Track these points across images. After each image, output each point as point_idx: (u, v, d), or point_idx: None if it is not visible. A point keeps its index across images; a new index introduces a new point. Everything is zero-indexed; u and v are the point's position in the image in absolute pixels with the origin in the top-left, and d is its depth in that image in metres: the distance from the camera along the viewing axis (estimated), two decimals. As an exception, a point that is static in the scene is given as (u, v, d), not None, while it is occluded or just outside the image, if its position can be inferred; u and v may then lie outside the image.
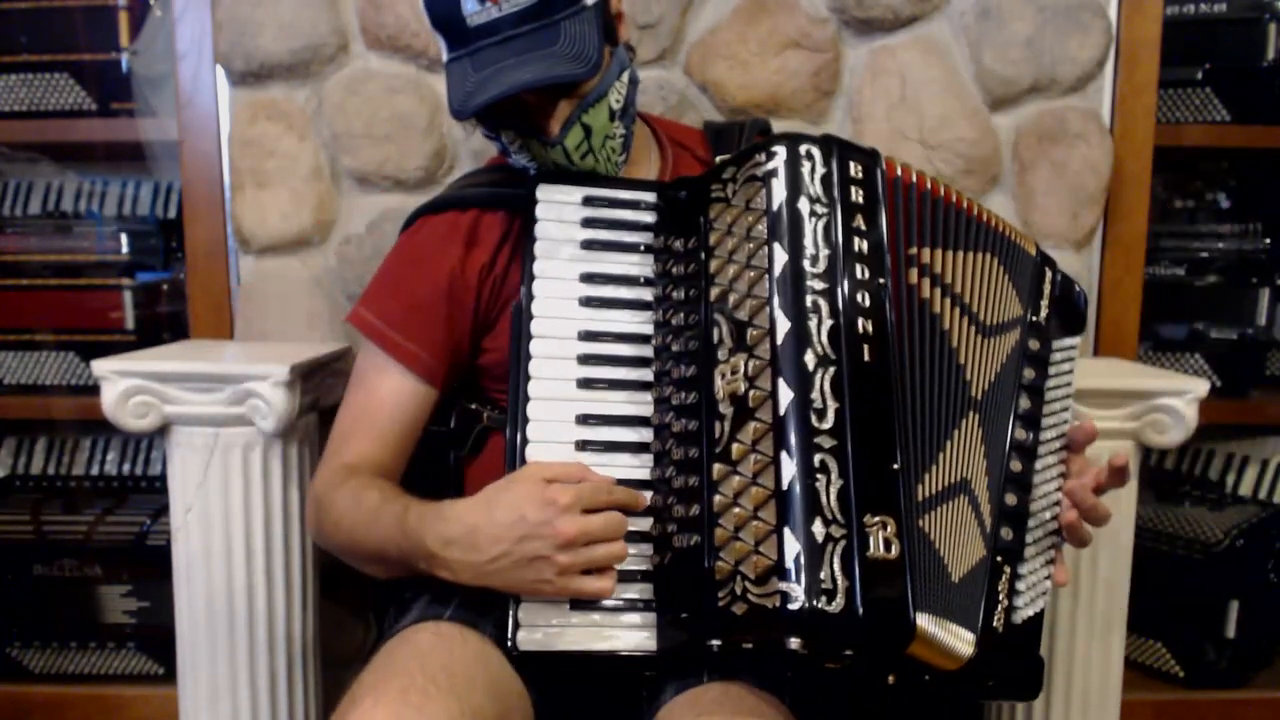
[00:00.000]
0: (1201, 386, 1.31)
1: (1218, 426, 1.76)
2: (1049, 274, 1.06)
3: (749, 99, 1.50)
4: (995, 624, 0.91)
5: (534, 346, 0.96)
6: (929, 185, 0.97)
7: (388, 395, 1.07)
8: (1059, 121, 1.51)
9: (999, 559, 0.93)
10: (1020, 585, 0.94)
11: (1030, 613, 0.95)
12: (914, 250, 0.93)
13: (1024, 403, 0.99)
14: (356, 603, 1.58)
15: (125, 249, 1.73)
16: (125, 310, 1.71)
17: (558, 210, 1.01)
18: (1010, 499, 0.95)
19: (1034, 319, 1.03)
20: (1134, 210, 1.58)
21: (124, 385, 1.28)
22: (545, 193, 1.01)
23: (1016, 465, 0.97)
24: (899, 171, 0.95)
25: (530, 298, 0.97)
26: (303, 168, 1.51)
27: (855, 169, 0.93)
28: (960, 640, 0.87)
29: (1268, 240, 1.79)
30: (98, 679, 1.71)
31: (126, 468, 1.79)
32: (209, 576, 1.31)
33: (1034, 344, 1.02)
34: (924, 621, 0.82)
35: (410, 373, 1.07)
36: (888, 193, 0.94)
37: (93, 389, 1.41)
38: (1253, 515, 1.73)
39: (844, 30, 1.52)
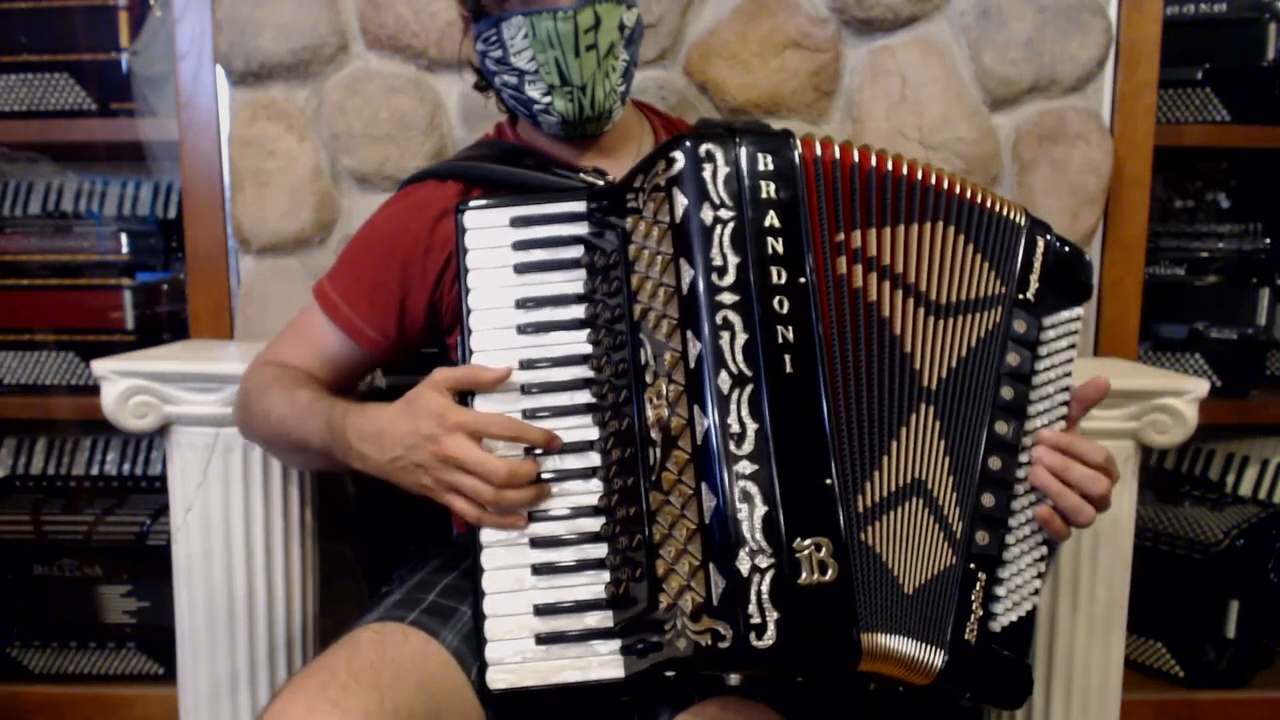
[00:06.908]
0: (1201, 386, 1.31)
1: (1218, 426, 1.76)
2: (1040, 241, 0.97)
3: (749, 99, 1.50)
4: (968, 636, 0.87)
5: None
6: (856, 157, 0.89)
7: (323, 343, 1.15)
8: (1059, 121, 1.51)
9: (972, 566, 0.88)
10: (999, 590, 0.89)
11: (1013, 618, 0.90)
12: (841, 237, 0.87)
13: (1006, 393, 0.91)
14: (356, 603, 1.58)
15: (125, 249, 1.73)
16: (125, 310, 1.71)
17: (487, 236, 0.96)
18: (987, 500, 0.89)
19: (1021, 296, 0.94)
20: (1134, 210, 1.58)
21: (124, 385, 1.28)
22: (471, 219, 0.96)
23: (996, 462, 0.90)
24: (819, 150, 0.88)
25: (469, 331, 0.94)
26: (303, 168, 1.51)
27: (765, 161, 0.86)
28: (924, 652, 0.84)
29: (1268, 240, 1.79)
30: (98, 679, 1.71)
31: (126, 468, 1.79)
32: (209, 576, 1.31)
33: (1020, 325, 0.94)
34: (877, 639, 0.80)
35: (352, 342, 1.13)
36: (808, 177, 0.87)
37: (93, 389, 1.41)
38: (1253, 515, 1.73)
39: (844, 30, 1.52)
